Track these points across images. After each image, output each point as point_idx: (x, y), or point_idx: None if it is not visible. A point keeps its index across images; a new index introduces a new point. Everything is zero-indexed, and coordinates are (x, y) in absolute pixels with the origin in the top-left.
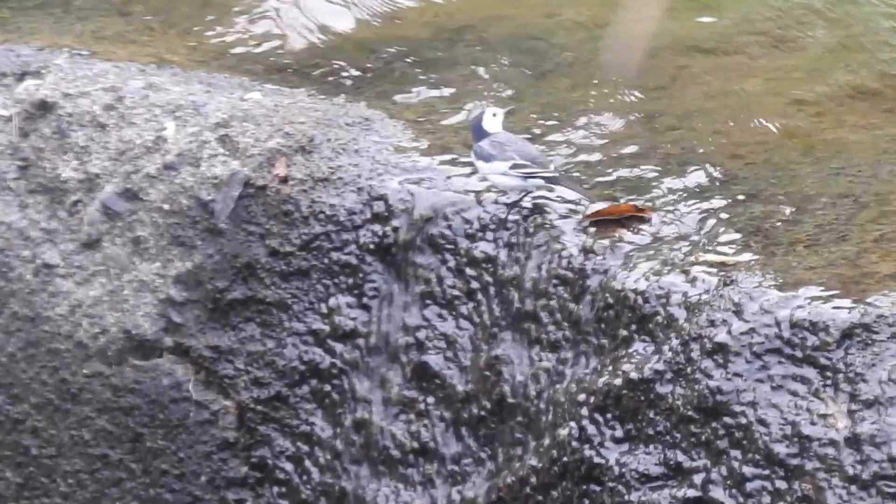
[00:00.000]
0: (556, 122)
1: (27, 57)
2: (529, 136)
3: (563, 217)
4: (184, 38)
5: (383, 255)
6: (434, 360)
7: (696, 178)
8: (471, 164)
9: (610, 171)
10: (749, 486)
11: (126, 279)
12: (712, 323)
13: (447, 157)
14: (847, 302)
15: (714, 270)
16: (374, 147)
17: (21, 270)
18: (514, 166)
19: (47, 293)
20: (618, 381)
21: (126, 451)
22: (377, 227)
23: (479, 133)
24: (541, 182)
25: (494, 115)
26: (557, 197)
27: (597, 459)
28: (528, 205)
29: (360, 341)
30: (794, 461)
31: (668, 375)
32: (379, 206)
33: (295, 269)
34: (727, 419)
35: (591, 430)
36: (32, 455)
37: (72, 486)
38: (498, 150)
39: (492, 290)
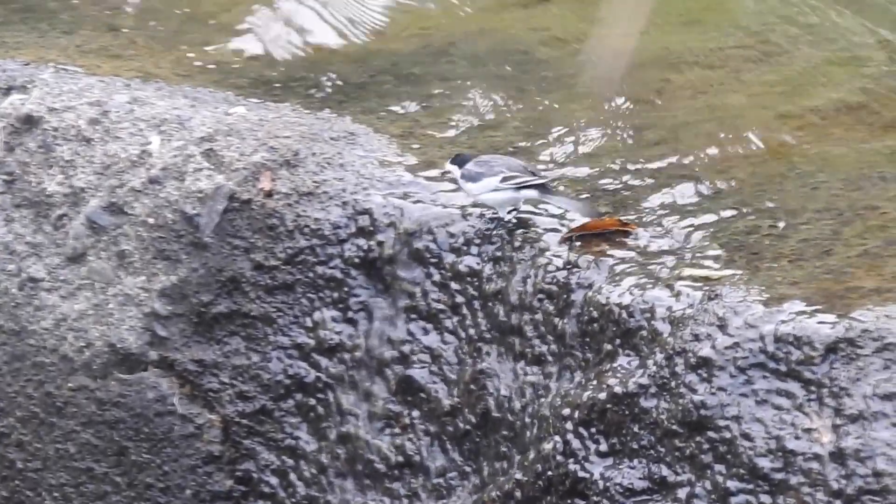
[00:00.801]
0: (540, 137)
1: (12, 71)
2: (513, 150)
3: (548, 231)
4: (169, 53)
5: (368, 269)
6: (419, 373)
7: (681, 192)
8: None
9: (595, 185)
10: (734, 500)
11: (111, 293)
12: (696, 337)
13: (432, 171)
14: (831, 317)
15: (698, 285)
16: (359, 161)
17: (6, 284)
18: (505, 179)
19: (32, 307)
20: (602, 396)
21: (111, 465)
22: (362, 241)
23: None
24: (533, 193)
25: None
26: (542, 210)
27: (581, 473)
28: (513, 219)
29: (346, 355)
30: (779, 475)
31: (653, 389)
32: (364, 221)
33: (280, 283)
34: (711, 433)
35: (576, 444)
36: (18, 469)
37: (57, 500)
38: (485, 168)
39: (476, 304)
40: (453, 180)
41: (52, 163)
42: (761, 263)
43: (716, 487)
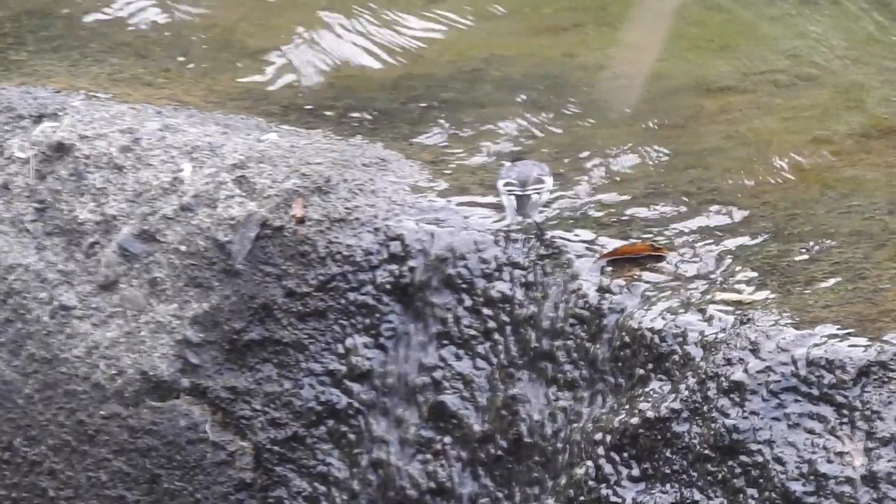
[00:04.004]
0: (572, 161)
1: (44, 99)
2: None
3: (579, 256)
4: (200, 80)
5: (400, 296)
6: (451, 399)
7: (712, 216)
8: (490, 204)
9: (626, 209)
10: None
11: (143, 320)
12: (729, 361)
13: (464, 197)
14: (863, 340)
15: (731, 309)
16: (391, 187)
17: (38, 312)
18: (506, 185)
19: (64, 335)
20: (634, 420)
21: (143, 493)
22: (394, 268)
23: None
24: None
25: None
26: (575, 236)
27: (613, 498)
28: (545, 244)
29: (377, 381)
30: (811, 499)
31: (685, 414)
32: (395, 247)
33: (312, 310)
34: (744, 457)
35: (608, 469)
36: (50, 497)
37: None
38: (505, 171)
39: (508, 329)
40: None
41: (84, 190)
42: (793, 287)
43: None
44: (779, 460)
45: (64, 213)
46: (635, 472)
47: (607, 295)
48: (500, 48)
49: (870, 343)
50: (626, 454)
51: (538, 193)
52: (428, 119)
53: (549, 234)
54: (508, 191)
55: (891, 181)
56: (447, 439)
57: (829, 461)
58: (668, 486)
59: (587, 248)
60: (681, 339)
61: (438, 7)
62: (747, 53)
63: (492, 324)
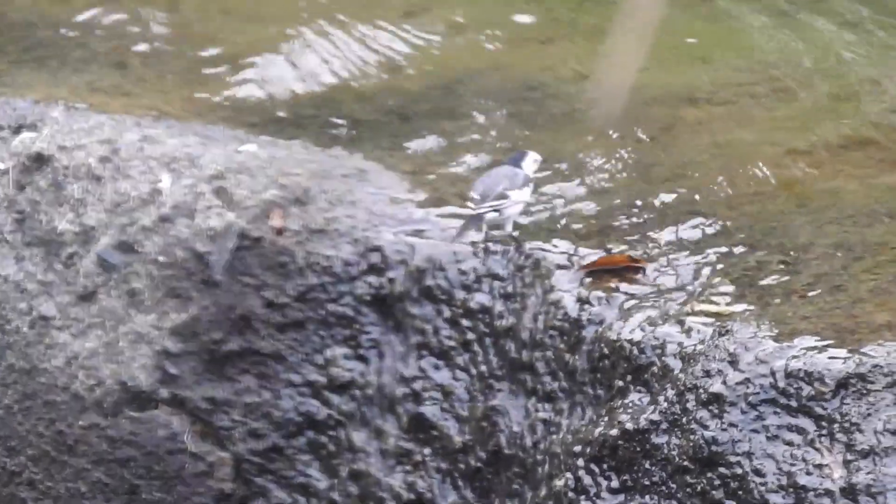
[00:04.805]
0: (550, 173)
1: (23, 110)
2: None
3: (558, 268)
4: (179, 91)
5: (379, 307)
6: (430, 410)
7: (691, 228)
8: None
9: (605, 221)
10: None
11: (122, 331)
12: (707, 373)
13: (443, 208)
14: (842, 352)
15: (709, 321)
16: (370, 198)
17: (17, 323)
18: (470, 198)
19: (44, 345)
20: (614, 432)
21: (123, 503)
22: (373, 279)
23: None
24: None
25: (535, 161)
26: (554, 247)
27: None
28: (524, 255)
29: (357, 392)
30: None
31: (664, 426)
32: (375, 258)
33: (291, 321)
34: (723, 469)
35: (587, 480)
36: None
37: None
38: (479, 180)
39: (488, 340)
40: None
41: (63, 201)
42: (772, 299)
43: None
44: (758, 472)
45: (43, 224)
46: (615, 483)
47: (586, 306)
48: (477, 61)
49: (849, 355)
50: (605, 466)
51: (496, 211)
52: (407, 131)
53: (527, 245)
54: (467, 206)
55: (869, 193)
56: (427, 450)
57: (809, 473)
58: (647, 497)
59: (566, 260)
60: (660, 350)
61: (415, 21)
62: (726, 65)
63: (471, 335)
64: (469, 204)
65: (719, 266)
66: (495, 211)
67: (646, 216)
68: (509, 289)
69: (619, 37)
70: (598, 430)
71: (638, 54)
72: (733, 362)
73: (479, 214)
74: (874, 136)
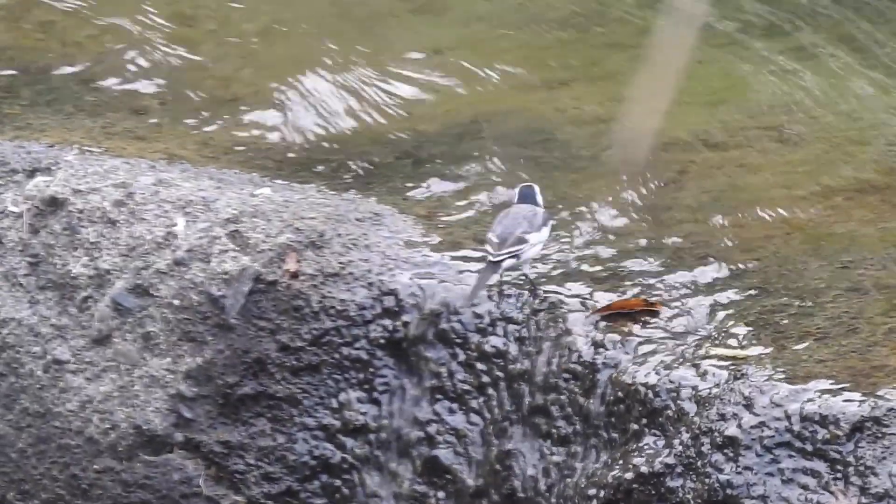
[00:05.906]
0: (565, 216)
1: (37, 153)
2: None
3: (573, 311)
4: (194, 134)
5: (394, 350)
6: (445, 454)
7: (705, 271)
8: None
9: (620, 264)
10: None
11: (136, 375)
12: (723, 417)
13: (457, 252)
14: (857, 395)
15: (724, 364)
16: (385, 242)
17: (31, 366)
18: (488, 240)
19: (58, 389)
20: (628, 475)
21: None
22: (388, 322)
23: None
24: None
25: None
26: (568, 290)
27: None
28: (539, 299)
29: (371, 436)
30: None
31: (679, 469)
32: (389, 301)
33: (305, 364)
34: None
35: None
36: None
37: None
38: (497, 220)
39: (502, 384)
40: None
41: (77, 245)
42: (787, 342)
43: None
44: None
45: (57, 268)
46: None
47: (601, 350)
48: (491, 104)
49: (864, 398)
50: None
51: (514, 256)
52: (421, 174)
53: (541, 288)
54: (484, 252)
55: (884, 237)
56: (441, 494)
57: None
58: None
59: (581, 303)
60: (674, 394)
61: (430, 64)
62: (741, 108)
63: (486, 378)
64: (487, 247)
65: (734, 309)
66: (513, 257)
67: (660, 259)
68: (524, 332)
69: (643, 82)
70: (612, 474)
71: (663, 99)
72: (748, 405)
73: (497, 262)
74: (888, 181)
